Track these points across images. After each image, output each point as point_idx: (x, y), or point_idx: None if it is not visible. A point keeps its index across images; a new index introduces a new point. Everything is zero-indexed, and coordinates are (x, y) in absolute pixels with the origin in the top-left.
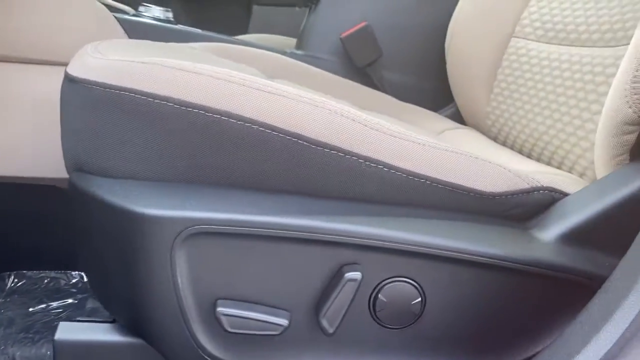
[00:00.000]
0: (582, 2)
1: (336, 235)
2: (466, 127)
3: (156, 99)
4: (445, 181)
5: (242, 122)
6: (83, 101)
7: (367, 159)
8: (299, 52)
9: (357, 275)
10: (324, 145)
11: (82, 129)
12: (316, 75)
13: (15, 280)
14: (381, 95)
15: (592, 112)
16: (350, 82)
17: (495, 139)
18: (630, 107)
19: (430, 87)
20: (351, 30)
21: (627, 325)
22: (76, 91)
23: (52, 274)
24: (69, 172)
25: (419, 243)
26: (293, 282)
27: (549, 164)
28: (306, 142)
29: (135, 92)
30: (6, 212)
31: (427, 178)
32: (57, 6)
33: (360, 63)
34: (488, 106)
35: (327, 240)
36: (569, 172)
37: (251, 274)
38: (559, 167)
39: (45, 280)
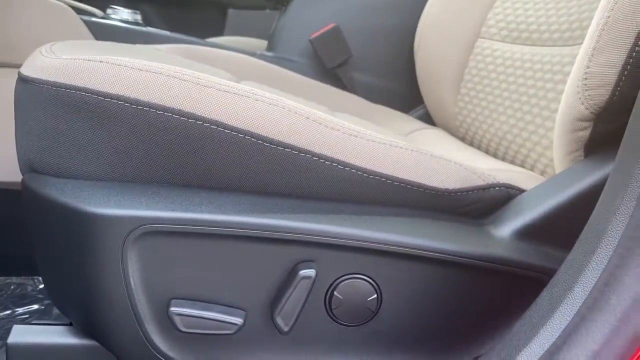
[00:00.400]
0: (544, 3)
1: (291, 232)
2: (435, 127)
3: (106, 97)
4: (399, 178)
5: (194, 120)
6: (34, 101)
7: (321, 156)
8: (269, 54)
9: (311, 272)
10: (278, 144)
11: (34, 129)
12: (286, 77)
13: None
14: (351, 96)
15: (552, 110)
16: (320, 83)
17: (463, 139)
18: (582, 104)
19: (400, 88)
20: (320, 32)
21: (571, 317)
22: (28, 91)
23: (19, 279)
24: (22, 174)
25: (374, 240)
26: (248, 280)
27: (512, 162)
28: (260, 140)
29: (85, 90)
30: None
31: (382, 175)
32: (20, 8)
33: (330, 64)
34: (455, 107)
35: (282, 238)
36: (531, 170)
37: (205, 273)
38: (522, 166)
39: (12, 287)
